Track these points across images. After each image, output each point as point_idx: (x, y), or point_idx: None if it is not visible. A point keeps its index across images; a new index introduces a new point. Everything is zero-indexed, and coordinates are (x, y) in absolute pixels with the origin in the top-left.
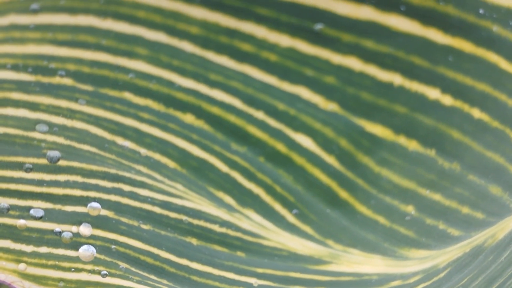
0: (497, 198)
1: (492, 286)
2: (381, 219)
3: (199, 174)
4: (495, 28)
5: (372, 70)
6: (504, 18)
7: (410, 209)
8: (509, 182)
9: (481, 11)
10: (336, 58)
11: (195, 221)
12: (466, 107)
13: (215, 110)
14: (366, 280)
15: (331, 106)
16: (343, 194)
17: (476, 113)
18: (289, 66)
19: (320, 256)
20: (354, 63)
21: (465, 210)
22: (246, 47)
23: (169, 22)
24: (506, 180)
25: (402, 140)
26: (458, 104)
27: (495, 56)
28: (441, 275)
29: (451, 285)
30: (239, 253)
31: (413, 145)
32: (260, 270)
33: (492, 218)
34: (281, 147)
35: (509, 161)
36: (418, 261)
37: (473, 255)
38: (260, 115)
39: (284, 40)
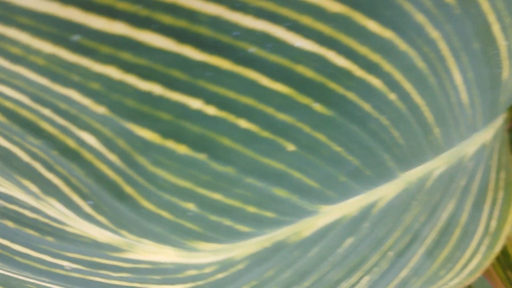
0: (285, 200)
1: (305, 277)
2: (165, 214)
3: (6, 162)
4: (252, 49)
5: (132, 80)
6: (260, 41)
7: (191, 206)
8: (295, 185)
9: (236, 33)
10: (97, 67)
11: (10, 206)
12: (231, 118)
13: (9, 104)
14: (163, 268)
15: (101, 110)
16: (128, 189)
17: (243, 123)
18: (56, 71)
19: (118, 244)
20: (113, 72)
21: (251, 209)
22: (15, 50)
23: None
24: (291, 184)
25: (170, 144)
26: (223, 114)
27: (254, 73)
28: (239, 266)
29: (254, 276)
30: (49, 238)
31: (182, 149)
32: (69, 254)
33: (286, 217)
34: (70, 143)
35: (291, 167)
36: (210, 253)
37: (275, 250)
38: (47, 112)
39: (46, 47)
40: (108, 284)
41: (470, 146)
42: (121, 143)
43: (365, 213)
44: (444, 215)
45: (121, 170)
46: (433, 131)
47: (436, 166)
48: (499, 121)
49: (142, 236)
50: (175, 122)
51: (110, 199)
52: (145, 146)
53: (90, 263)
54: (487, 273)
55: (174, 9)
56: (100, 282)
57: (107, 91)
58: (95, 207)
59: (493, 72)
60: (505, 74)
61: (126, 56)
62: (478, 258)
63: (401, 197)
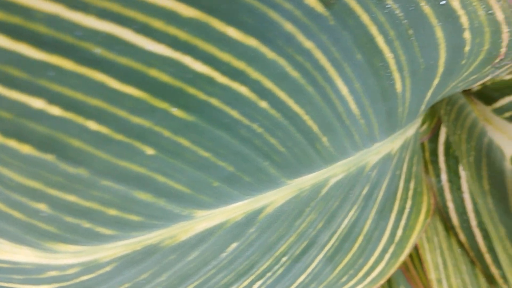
0: (150, 204)
1: (187, 281)
2: (16, 214)
3: None
4: (98, 51)
5: None
6: (106, 42)
7: (43, 206)
8: (160, 189)
9: (78, 33)
10: None
11: None
12: (79, 119)
13: None
14: (24, 268)
15: None
16: None
17: (93, 125)
18: None
19: None
20: None
21: (112, 212)
22: None
23: None
24: (156, 188)
25: (12, 143)
26: (70, 115)
27: (102, 75)
28: (107, 268)
29: (125, 278)
30: None
31: (26, 149)
32: None
33: (155, 221)
34: None
35: (152, 171)
36: (72, 254)
37: (147, 253)
38: None
39: None
40: None
41: (372, 155)
42: None
43: (250, 218)
44: (345, 222)
45: None
46: (321, 139)
47: (332, 174)
48: (410, 131)
49: None
50: (16, 121)
51: None
52: None
53: None
54: (411, 279)
55: (6, 5)
56: None
57: None
58: None
59: (383, 83)
60: (398, 86)
61: None
62: (381, 266)
63: (292, 204)
